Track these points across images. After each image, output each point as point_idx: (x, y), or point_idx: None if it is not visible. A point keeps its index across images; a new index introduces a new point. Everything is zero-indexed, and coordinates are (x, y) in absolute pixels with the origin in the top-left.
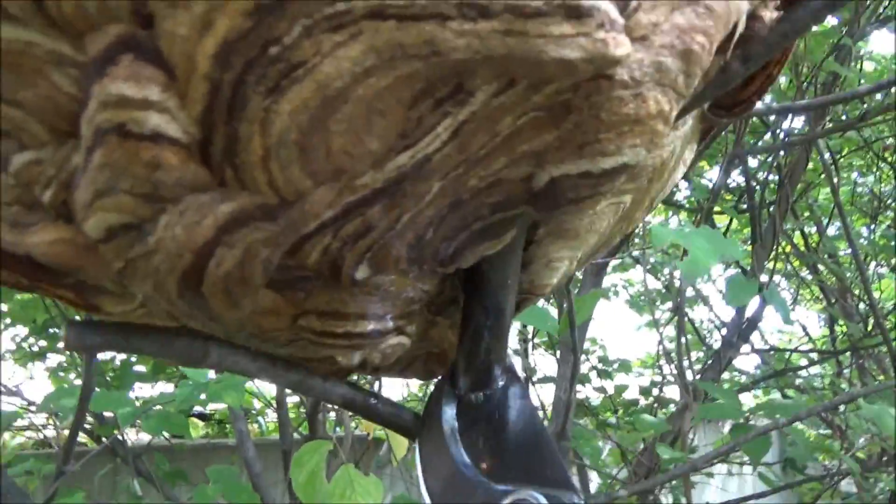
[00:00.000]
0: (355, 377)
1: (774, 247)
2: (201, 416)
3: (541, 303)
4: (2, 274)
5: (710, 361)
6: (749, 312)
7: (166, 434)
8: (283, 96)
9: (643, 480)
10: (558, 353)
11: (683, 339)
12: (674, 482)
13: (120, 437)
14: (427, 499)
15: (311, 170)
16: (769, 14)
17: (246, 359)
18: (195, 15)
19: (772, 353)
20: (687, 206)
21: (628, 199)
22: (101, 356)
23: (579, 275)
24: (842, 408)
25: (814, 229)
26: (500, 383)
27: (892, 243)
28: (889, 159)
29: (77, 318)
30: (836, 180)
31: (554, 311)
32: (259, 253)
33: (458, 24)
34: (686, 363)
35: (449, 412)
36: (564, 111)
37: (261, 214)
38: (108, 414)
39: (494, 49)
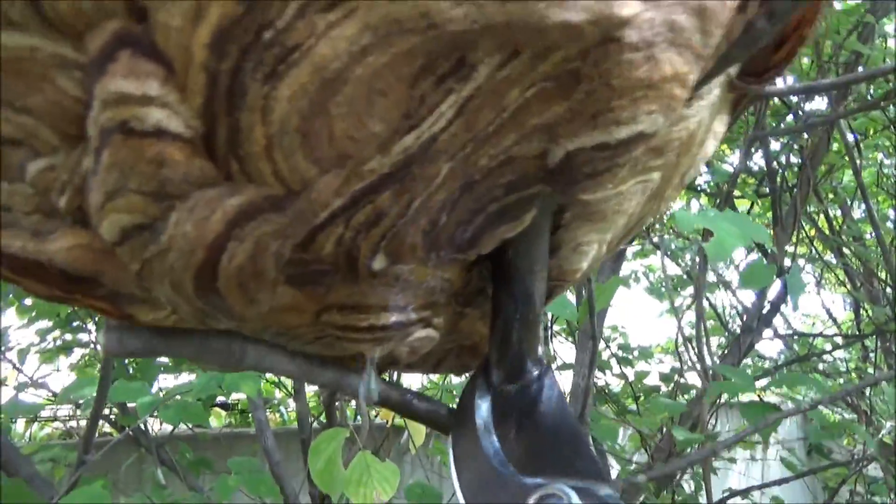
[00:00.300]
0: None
1: (796, 230)
2: (224, 406)
3: None
4: (37, 287)
5: (728, 348)
6: (771, 297)
7: (189, 423)
8: (282, 81)
9: (662, 465)
10: (577, 340)
11: (702, 326)
12: (697, 468)
13: (142, 427)
14: (459, 492)
15: (315, 157)
16: None
17: (284, 359)
18: (187, 4)
19: (795, 337)
20: (708, 190)
21: (657, 177)
22: None
23: None
24: (868, 392)
25: (838, 212)
26: (534, 374)
27: None
28: None
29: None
30: (858, 162)
31: (573, 298)
32: (270, 245)
33: None
34: (706, 349)
35: (482, 405)
36: (574, 81)
37: (269, 206)
38: (131, 404)
39: (493, 17)
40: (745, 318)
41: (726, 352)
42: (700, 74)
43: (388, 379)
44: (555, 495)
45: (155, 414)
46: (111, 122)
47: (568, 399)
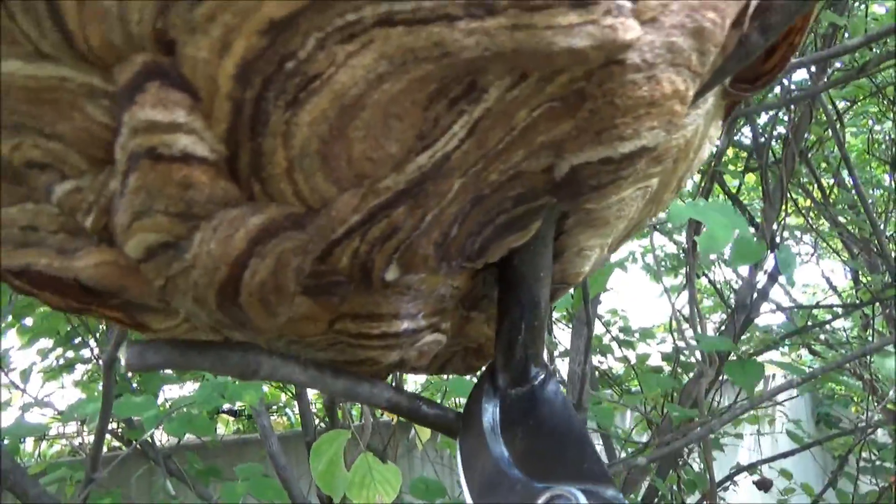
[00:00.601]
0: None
1: (784, 204)
2: (231, 413)
3: None
4: (53, 298)
5: (723, 327)
6: (768, 268)
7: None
8: (303, 108)
9: (663, 447)
10: (573, 327)
11: (695, 307)
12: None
13: (150, 440)
14: (468, 494)
15: (335, 177)
16: None
17: (297, 369)
18: (214, 38)
19: (796, 310)
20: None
21: (655, 182)
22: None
23: None
24: (869, 360)
25: (832, 181)
26: (539, 378)
27: None
28: None
29: (131, 338)
30: (841, 134)
31: None
32: (291, 261)
33: (465, 24)
34: (703, 328)
35: (489, 408)
36: (579, 99)
37: (289, 224)
38: (136, 417)
39: (503, 45)
40: (737, 296)
41: (723, 329)
42: (697, 89)
43: (395, 384)
44: (563, 496)
45: (161, 427)
46: (140, 147)
47: (565, 385)
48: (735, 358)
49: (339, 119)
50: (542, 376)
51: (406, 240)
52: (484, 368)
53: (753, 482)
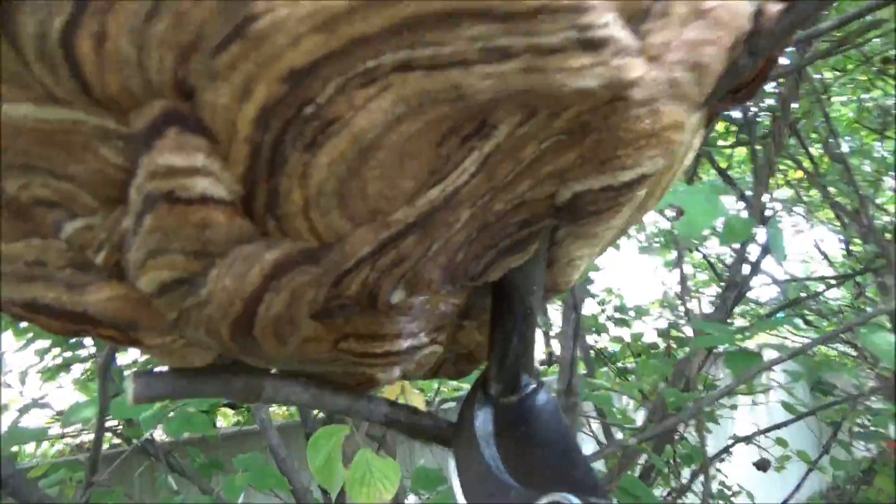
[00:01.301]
0: None
1: (772, 177)
2: (231, 406)
3: None
4: (50, 323)
5: (715, 305)
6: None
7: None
8: (321, 150)
9: (657, 427)
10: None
11: (686, 290)
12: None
13: (150, 437)
14: (462, 500)
15: (350, 214)
16: (774, 7)
17: (298, 389)
18: (235, 85)
19: (789, 282)
20: None
21: (643, 194)
22: (120, 362)
23: None
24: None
25: (822, 151)
26: (531, 387)
27: None
28: (892, 72)
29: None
30: (827, 105)
31: None
32: (305, 294)
33: (481, 68)
34: (699, 305)
35: (482, 416)
36: (584, 131)
37: (303, 259)
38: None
39: (516, 87)
40: (726, 273)
41: (715, 306)
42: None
43: (394, 400)
44: (559, 503)
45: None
46: (158, 190)
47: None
48: (734, 349)
49: (357, 160)
50: (534, 385)
51: (413, 267)
52: (477, 377)
53: (753, 463)
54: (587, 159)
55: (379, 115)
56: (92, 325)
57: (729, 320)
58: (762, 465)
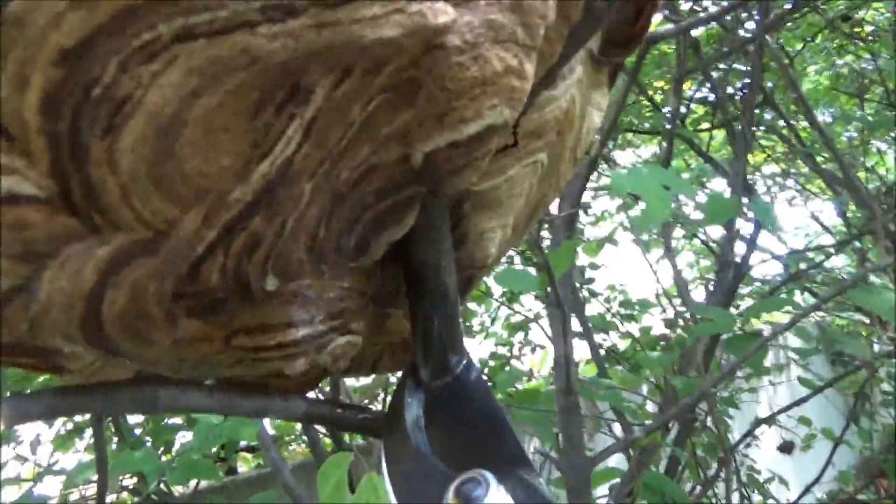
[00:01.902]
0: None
1: (750, 153)
2: (250, 449)
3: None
4: None
5: (713, 287)
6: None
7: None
8: (121, 133)
9: (665, 416)
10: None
11: (680, 276)
12: (721, 406)
13: (167, 490)
14: (391, 491)
15: (173, 197)
16: None
17: (200, 395)
18: (11, 74)
19: (789, 255)
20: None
21: (543, 157)
22: (132, 419)
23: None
24: None
25: (804, 123)
26: (459, 367)
27: (891, 114)
28: (860, 34)
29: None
30: (794, 75)
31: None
32: (148, 287)
33: (267, 29)
34: (706, 290)
35: (413, 403)
36: (414, 88)
37: (139, 251)
38: None
39: (313, 44)
40: (720, 256)
41: (710, 294)
42: (536, 62)
43: (318, 394)
44: (474, 479)
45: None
46: None
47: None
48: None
49: (161, 140)
50: (464, 363)
51: (272, 248)
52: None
53: (777, 448)
54: (426, 117)
55: (171, 90)
56: (11, 356)
57: (738, 303)
58: (786, 448)
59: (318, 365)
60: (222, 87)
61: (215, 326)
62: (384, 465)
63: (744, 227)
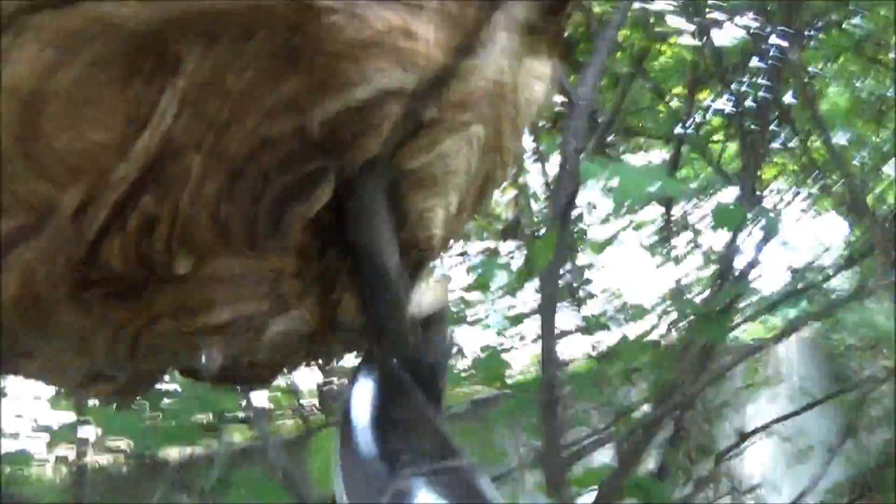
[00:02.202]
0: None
1: (759, 169)
2: (245, 421)
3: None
4: None
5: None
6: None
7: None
8: None
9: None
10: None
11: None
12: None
13: (161, 458)
14: (341, 486)
15: (48, 176)
16: None
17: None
18: None
19: (793, 273)
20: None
21: (479, 130)
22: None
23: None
24: None
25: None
26: (406, 353)
27: None
28: (882, 59)
29: None
30: (811, 94)
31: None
32: (38, 270)
33: None
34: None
35: (364, 386)
36: (295, 55)
37: (23, 234)
38: None
39: (167, 10)
40: (720, 268)
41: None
42: (437, 24)
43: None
44: (401, 492)
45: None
46: None
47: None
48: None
49: (25, 116)
50: (409, 350)
51: (172, 227)
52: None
53: None
54: (311, 83)
55: (24, 64)
56: None
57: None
58: None
59: (261, 348)
60: (79, 59)
61: (138, 312)
62: (338, 458)
63: (746, 240)
